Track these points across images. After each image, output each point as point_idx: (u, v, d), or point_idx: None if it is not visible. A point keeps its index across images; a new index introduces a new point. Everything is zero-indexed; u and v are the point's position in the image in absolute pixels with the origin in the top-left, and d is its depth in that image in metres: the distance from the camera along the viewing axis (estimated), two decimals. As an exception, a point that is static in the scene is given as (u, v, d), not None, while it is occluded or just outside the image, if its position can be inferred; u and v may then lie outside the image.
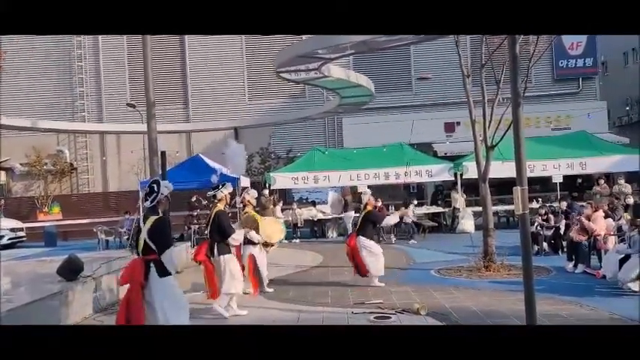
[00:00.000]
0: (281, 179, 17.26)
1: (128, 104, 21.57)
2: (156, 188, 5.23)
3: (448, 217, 17.60)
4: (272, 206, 15.77)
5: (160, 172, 10.69)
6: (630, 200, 12.11)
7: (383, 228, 15.98)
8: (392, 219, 9.78)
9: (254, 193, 9.17)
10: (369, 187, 17.50)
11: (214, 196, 7.37)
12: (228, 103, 24.06)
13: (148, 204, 5.23)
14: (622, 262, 7.80)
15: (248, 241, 8.48)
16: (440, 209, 17.63)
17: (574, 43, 23.21)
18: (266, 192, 16.29)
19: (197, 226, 16.52)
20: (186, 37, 23.70)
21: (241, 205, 10.31)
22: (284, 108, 23.57)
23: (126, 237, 15.90)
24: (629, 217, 9.62)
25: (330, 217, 17.37)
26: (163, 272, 5.03)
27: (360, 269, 8.92)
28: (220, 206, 7.27)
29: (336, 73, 10.73)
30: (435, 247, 13.56)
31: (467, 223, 16.18)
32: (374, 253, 8.85)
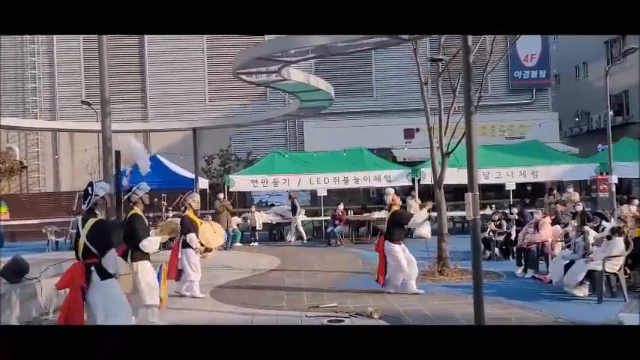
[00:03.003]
0: (240, 182, 17.13)
1: (83, 102, 21.00)
2: (90, 191, 5.12)
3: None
4: (226, 211, 15.54)
5: (114, 173, 10.40)
6: (579, 208, 12.54)
7: (341, 232, 16.13)
8: (419, 217, 8.88)
9: (196, 196, 8.99)
10: (328, 191, 17.77)
11: (129, 199, 6.71)
12: (187, 104, 23.72)
13: (84, 207, 5.13)
14: (567, 267, 8.09)
15: (186, 245, 8.34)
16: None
17: (528, 55, 24.01)
18: (221, 196, 16.06)
19: (152, 228, 16.17)
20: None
21: (182, 209, 10.04)
22: (245, 110, 23.43)
23: (77, 238, 15.44)
24: (575, 224, 9.99)
25: (288, 220, 17.32)
26: (104, 275, 4.97)
27: (379, 277, 8.42)
28: (137, 209, 6.61)
29: (296, 76, 10.71)
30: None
31: (423, 228, 16.40)
32: (402, 259, 8.24)
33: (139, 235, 6.40)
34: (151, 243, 6.45)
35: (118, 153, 10.96)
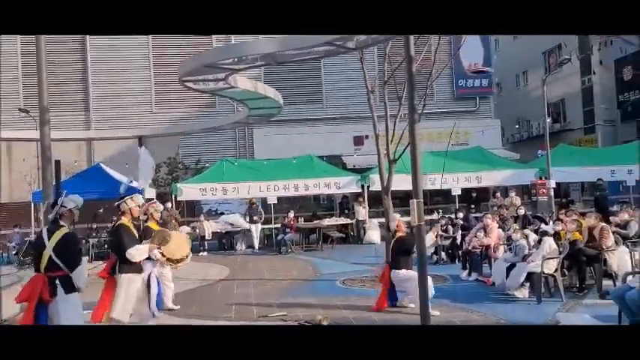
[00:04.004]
0: (188, 190, 16.83)
1: (20, 109, 20.13)
2: (58, 201, 5.10)
3: (355, 228, 17.99)
4: (174, 221, 15.18)
5: (54, 183, 9.98)
6: (522, 211, 13.04)
7: (292, 240, 16.07)
8: (427, 240, 7.77)
9: (159, 206, 8.72)
10: (278, 198, 17.70)
11: (118, 207, 6.48)
12: (133, 111, 23.09)
13: (50, 217, 5.07)
14: (509, 270, 8.37)
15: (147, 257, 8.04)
16: (348, 220, 17.98)
17: (471, 64, 24.82)
18: (168, 205, 15.67)
19: (96, 239, 15.66)
20: (87, 37, 22.47)
21: (144, 218, 9.73)
22: (193, 117, 23.05)
23: (14, 252, 14.71)
24: (517, 228, 10.37)
25: (238, 229, 17.14)
26: (70, 289, 4.88)
27: (379, 301, 7.82)
28: (124, 219, 6.39)
29: (243, 84, 10.65)
30: (341, 258, 13.77)
31: (373, 233, 16.61)
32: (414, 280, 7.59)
33: (125, 244, 6.11)
34: (138, 251, 6.18)
35: (57, 162, 10.54)
